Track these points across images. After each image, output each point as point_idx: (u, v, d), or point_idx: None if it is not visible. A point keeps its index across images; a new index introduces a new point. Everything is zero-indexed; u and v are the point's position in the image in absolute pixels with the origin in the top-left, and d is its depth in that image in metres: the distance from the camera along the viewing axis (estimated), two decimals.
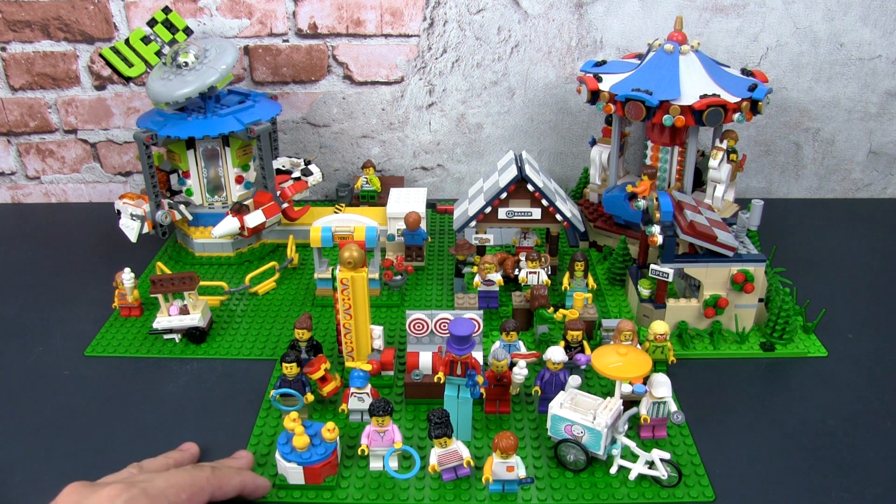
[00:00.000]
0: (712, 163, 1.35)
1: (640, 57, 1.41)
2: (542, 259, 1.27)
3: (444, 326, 1.11)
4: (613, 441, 0.96)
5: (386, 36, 1.58)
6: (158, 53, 1.37)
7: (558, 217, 1.29)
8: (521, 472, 0.91)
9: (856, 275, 1.41)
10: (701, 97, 1.26)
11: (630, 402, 1.02)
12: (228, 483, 0.88)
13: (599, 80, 1.36)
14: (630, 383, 0.98)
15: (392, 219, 1.43)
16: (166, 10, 1.38)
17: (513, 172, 1.26)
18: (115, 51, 1.34)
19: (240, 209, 1.37)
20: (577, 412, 0.96)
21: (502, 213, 1.30)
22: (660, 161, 1.41)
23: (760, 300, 1.21)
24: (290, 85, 1.63)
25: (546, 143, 1.70)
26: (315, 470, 0.93)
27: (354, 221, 1.32)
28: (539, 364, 1.13)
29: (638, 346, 1.06)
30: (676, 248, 1.18)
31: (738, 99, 1.27)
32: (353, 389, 1.02)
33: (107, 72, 1.61)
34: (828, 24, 1.55)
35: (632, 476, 0.95)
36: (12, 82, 1.62)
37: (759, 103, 1.29)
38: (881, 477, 0.96)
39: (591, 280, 1.24)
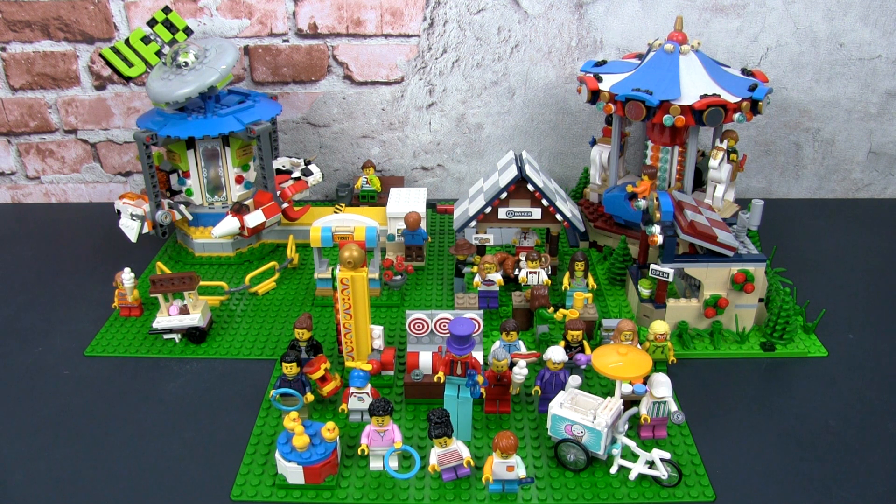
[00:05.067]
0: (712, 163, 1.35)
1: (641, 57, 1.41)
2: (542, 259, 1.27)
3: (444, 326, 1.11)
4: (613, 441, 0.96)
5: (386, 36, 1.58)
6: (158, 53, 1.37)
7: (558, 217, 1.29)
8: (521, 472, 0.91)
9: (856, 275, 1.41)
10: (701, 97, 1.26)
11: (630, 401, 1.02)
12: None
13: (599, 80, 1.36)
14: (630, 383, 0.98)
15: (392, 219, 1.43)
16: (166, 10, 1.38)
17: (513, 172, 1.26)
18: (115, 51, 1.34)
19: (240, 209, 1.37)
20: (577, 412, 0.96)
21: (502, 213, 1.30)
22: (660, 161, 1.41)
23: (760, 300, 1.21)
24: (290, 85, 1.63)
25: (546, 143, 1.70)
26: (315, 470, 0.93)
27: (354, 221, 1.32)
28: (539, 364, 1.13)
29: (638, 345, 1.06)
30: (676, 247, 1.18)
31: (739, 99, 1.27)
32: (353, 389, 1.02)
33: (107, 72, 1.61)
34: (828, 24, 1.55)
35: (632, 476, 0.95)
36: (12, 82, 1.62)
37: (760, 103, 1.29)
38: (881, 477, 0.96)
39: (591, 280, 1.24)
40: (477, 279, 1.26)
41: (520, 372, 1.04)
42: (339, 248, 1.05)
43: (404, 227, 1.40)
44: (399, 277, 1.34)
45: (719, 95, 1.27)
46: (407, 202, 1.45)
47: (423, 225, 1.41)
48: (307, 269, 1.44)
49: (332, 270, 1.25)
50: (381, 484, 0.95)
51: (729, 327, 1.21)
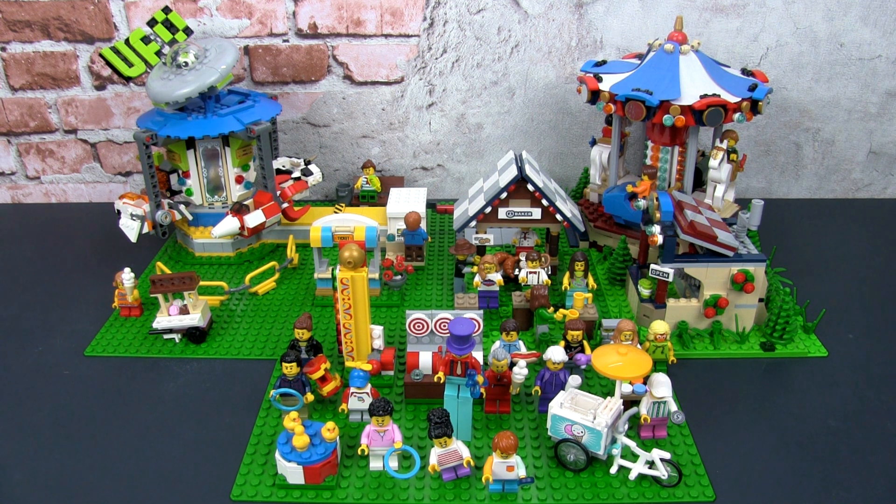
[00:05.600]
0: (712, 163, 1.35)
1: (640, 57, 1.41)
2: (542, 259, 1.27)
3: (444, 326, 1.11)
4: (613, 441, 0.96)
5: (386, 36, 1.58)
6: (158, 53, 1.37)
7: (558, 217, 1.29)
8: (521, 472, 0.91)
9: (856, 275, 1.41)
10: (701, 97, 1.26)
11: (630, 401, 1.02)
12: None
13: (599, 80, 1.36)
14: (630, 383, 0.98)
15: (392, 219, 1.43)
16: (166, 10, 1.38)
17: (513, 172, 1.26)
18: (115, 51, 1.34)
19: (240, 209, 1.37)
20: (577, 412, 0.96)
21: (502, 213, 1.30)
22: (660, 161, 1.41)
23: (760, 300, 1.21)
24: (290, 85, 1.63)
25: (546, 143, 1.70)
26: (315, 470, 0.93)
27: (354, 221, 1.32)
28: (539, 364, 1.13)
29: (638, 345, 1.06)
30: (676, 247, 1.18)
31: (739, 99, 1.27)
32: (353, 389, 1.02)
33: (107, 72, 1.61)
34: (828, 24, 1.55)
35: (632, 476, 0.95)
36: (12, 82, 1.62)
37: (760, 103, 1.29)
38: (881, 477, 0.96)
39: (591, 280, 1.24)
40: (477, 279, 1.26)
41: (520, 372, 1.04)
42: (339, 248, 1.05)
43: (404, 227, 1.40)
44: (399, 277, 1.34)
45: (719, 95, 1.27)
46: (407, 202, 1.45)
47: (423, 225, 1.40)
48: (307, 269, 1.44)
49: (332, 270, 1.25)
50: (381, 484, 0.95)
51: (729, 327, 1.21)
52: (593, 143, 1.50)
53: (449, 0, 1.55)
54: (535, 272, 1.26)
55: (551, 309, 1.21)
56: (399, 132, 1.68)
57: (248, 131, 1.35)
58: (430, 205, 1.61)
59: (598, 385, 1.13)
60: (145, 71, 1.36)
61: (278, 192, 1.43)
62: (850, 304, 1.32)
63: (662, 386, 0.99)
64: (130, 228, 1.38)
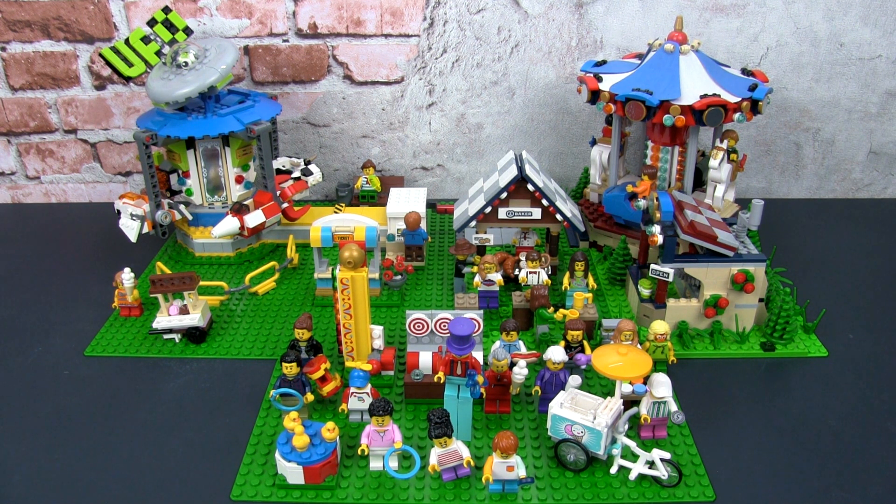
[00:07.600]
0: (712, 163, 1.35)
1: (641, 57, 1.41)
2: (542, 259, 1.27)
3: (444, 326, 1.11)
4: (613, 441, 0.96)
5: (386, 36, 1.58)
6: (158, 53, 1.37)
7: (558, 217, 1.29)
8: (521, 472, 0.91)
9: (856, 275, 1.41)
10: (701, 97, 1.26)
11: (630, 401, 1.02)
12: None
13: (599, 79, 1.36)
14: (630, 383, 0.98)
15: (392, 219, 1.43)
16: (166, 9, 1.38)
17: (513, 172, 1.26)
18: (115, 51, 1.34)
19: (240, 209, 1.37)
20: (577, 412, 0.96)
21: (502, 213, 1.30)
22: (660, 161, 1.41)
23: (760, 300, 1.21)
24: (290, 85, 1.63)
25: (546, 143, 1.70)
26: (315, 470, 0.93)
27: (354, 221, 1.32)
28: (539, 364, 1.13)
29: (638, 345, 1.06)
30: (677, 247, 1.18)
31: (739, 99, 1.27)
32: (353, 389, 1.02)
33: (107, 72, 1.61)
34: (828, 24, 1.55)
35: (632, 476, 0.95)
36: (12, 82, 1.62)
37: (760, 103, 1.29)
38: (881, 477, 0.96)
39: (591, 280, 1.24)
40: (477, 279, 1.26)
41: (520, 372, 1.04)
42: (339, 248, 1.05)
43: (404, 227, 1.40)
44: (399, 277, 1.34)
45: (719, 95, 1.27)
46: (407, 202, 1.45)
47: (423, 225, 1.40)
48: (307, 269, 1.44)
49: (332, 270, 1.25)
50: (381, 484, 0.95)
51: (729, 327, 1.21)
52: (593, 143, 1.50)
53: (449, 0, 1.55)
54: (535, 272, 1.26)
55: (551, 309, 1.21)
56: (399, 132, 1.68)
57: (248, 131, 1.35)
58: (430, 205, 1.60)
59: (598, 385, 1.13)
60: (145, 71, 1.36)
61: (278, 192, 1.43)
62: (850, 304, 1.32)
63: (662, 386, 0.99)
64: (130, 228, 1.38)
